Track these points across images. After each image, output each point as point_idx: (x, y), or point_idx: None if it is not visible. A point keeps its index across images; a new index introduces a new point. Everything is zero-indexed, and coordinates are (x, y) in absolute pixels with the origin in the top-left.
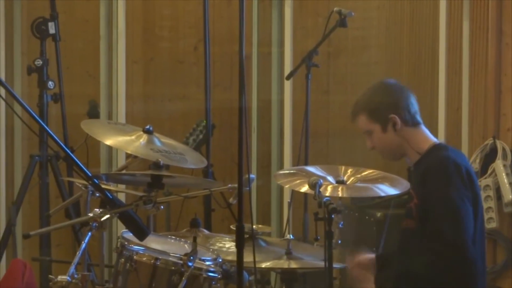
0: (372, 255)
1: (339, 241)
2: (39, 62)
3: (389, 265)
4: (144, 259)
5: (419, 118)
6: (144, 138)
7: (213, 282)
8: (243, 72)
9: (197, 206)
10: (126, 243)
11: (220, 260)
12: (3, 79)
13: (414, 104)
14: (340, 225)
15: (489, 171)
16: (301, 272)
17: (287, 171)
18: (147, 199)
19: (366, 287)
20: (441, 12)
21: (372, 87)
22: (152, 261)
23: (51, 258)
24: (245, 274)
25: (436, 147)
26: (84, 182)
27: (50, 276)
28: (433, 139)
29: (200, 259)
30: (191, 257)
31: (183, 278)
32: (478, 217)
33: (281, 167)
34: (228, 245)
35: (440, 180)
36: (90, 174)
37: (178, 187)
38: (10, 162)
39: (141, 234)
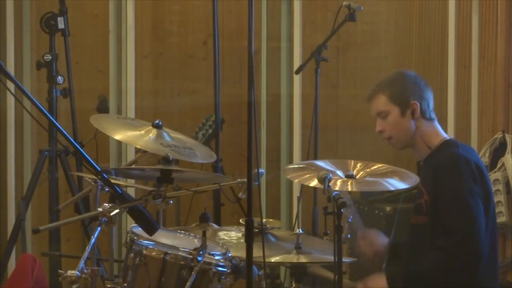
0: (384, 240)
1: (349, 236)
2: (48, 57)
3: (400, 258)
4: (153, 253)
5: (433, 114)
6: (153, 132)
7: (223, 277)
8: (252, 67)
9: (207, 200)
10: (135, 237)
11: (230, 254)
12: (13, 74)
13: (431, 100)
14: (349, 220)
15: (498, 165)
16: (310, 266)
17: (297, 166)
18: (157, 193)
19: (376, 272)
20: (450, 5)
21: (396, 73)
22: (161, 256)
23: (61, 253)
24: (255, 268)
25: (446, 143)
26: (94, 177)
27: (59, 271)
28: (444, 135)
29: (209, 254)
30: (201, 252)
31: (193, 272)
32: (490, 213)
33: (290, 161)
34: (238, 240)
35: (451, 177)
36: (99, 169)
37: (187, 181)
38: (20, 157)
39: (150, 228)
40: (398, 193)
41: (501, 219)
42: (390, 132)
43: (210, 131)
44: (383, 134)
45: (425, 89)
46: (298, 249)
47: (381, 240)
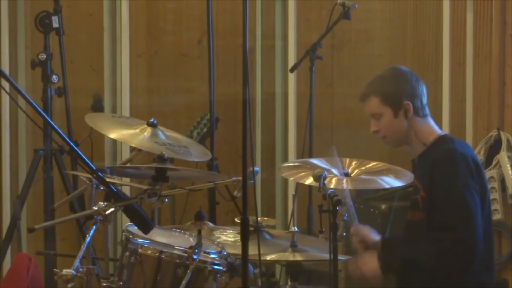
0: (377, 238)
1: (344, 234)
2: (43, 56)
3: (394, 251)
4: (149, 252)
5: (427, 109)
6: (148, 131)
7: (218, 275)
8: (246, 65)
9: (202, 199)
10: (130, 236)
11: (225, 253)
12: (7, 73)
13: (425, 94)
14: (344, 218)
15: (493, 163)
16: (306, 264)
17: (292, 164)
18: (152, 192)
19: (368, 254)
20: (444, 4)
21: (386, 72)
22: (157, 254)
23: (56, 252)
24: (250, 266)
25: (442, 139)
26: (89, 175)
27: (55, 269)
28: (439, 130)
29: (205, 252)
30: (196, 250)
31: (188, 271)
32: (485, 208)
33: (285, 159)
34: (234, 238)
35: (448, 173)
36: (94, 168)
37: (182, 180)
38: (15, 156)
39: (145, 227)
40: (393, 191)
41: (496, 216)
42: (384, 132)
43: (205, 129)
44: (378, 133)
45: (417, 86)
46: (294, 247)
47: (373, 236)
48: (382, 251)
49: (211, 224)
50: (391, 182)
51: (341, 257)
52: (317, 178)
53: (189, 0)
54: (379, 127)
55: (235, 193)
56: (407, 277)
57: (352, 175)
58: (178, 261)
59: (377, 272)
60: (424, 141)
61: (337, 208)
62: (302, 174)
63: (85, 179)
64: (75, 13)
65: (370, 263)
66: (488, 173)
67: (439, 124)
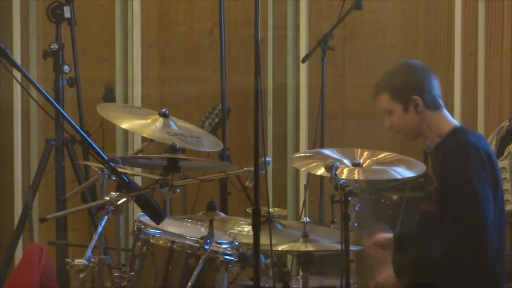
0: (390, 235)
1: (356, 224)
2: (54, 46)
3: (407, 247)
4: (160, 242)
5: (440, 101)
6: (160, 121)
7: (230, 265)
8: (258, 55)
9: (213, 189)
10: (142, 226)
11: (237, 243)
12: (19, 63)
13: (436, 87)
14: (356, 208)
15: (505, 153)
16: (317, 254)
17: (303, 154)
18: (164, 182)
19: (383, 267)
20: None
21: (396, 67)
22: (168, 245)
23: (68, 242)
24: (262, 257)
25: (456, 131)
26: (100, 165)
27: (67, 259)
28: (454, 122)
29: (216, 242)
30: (208, 240)
31: (200, 261)
32: (498, 201)
33: (297, 150)
34: (247, 228)
35: (460, 164)
36: (106, 158)
37: (194, 170)
38: (26, 146)
39: (157, 217)
40: (405, 181)
41: (507, 207)
42: (397, 128)
43: (217, 120)
44: (392, 129)
45: (426, 79)
46: (305, 237)
47: (385, 235)
48: (396, 250)
49: (222, 214)
50: (403, 172)
51: (352, 248)
52: (328, 168)
53: None
54: (392, 122)
55: (247, 183)
56: (421, 271)
57: (364, 165)
58: (189, 251)
59: (393, 278)
60: (438, 133)
61: (349, 198)
62: (314, 164)
63: (97, 169)
64: (86, 3)
65: (388, 278)
66: (500, 163)
67: (451, 114)
